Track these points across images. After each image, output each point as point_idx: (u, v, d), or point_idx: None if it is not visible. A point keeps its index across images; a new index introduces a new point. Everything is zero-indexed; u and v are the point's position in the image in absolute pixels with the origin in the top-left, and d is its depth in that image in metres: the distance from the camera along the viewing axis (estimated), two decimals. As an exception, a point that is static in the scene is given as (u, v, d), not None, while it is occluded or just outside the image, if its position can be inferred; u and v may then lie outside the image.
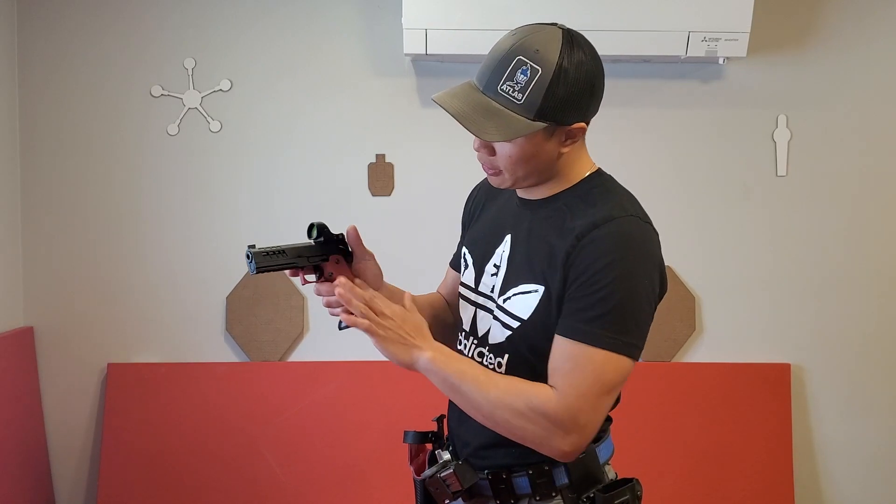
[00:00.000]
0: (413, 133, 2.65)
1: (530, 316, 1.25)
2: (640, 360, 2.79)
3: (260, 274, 1.21)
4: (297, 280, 2.63)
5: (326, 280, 1.30)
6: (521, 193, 1.34)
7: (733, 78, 2.64)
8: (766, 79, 2.63)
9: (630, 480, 1.31)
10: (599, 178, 1.32)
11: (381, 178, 2.67)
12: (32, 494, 2.57)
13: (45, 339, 2.68)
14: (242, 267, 2.66)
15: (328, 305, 1.29)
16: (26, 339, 2.63)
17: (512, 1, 2.36)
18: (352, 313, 1.21)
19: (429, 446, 1.43)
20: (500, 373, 1.29)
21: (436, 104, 1.23)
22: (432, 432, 1.43)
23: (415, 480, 1.41)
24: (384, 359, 2.72)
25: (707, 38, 2.41)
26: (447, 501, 1.34)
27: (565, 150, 1.25)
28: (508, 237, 1.33)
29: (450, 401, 1.42)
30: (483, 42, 2.23)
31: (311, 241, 1.27)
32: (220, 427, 2.61)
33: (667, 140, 2.65)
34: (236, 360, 2.69)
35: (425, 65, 2.63)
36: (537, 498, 1.29)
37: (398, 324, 1.21)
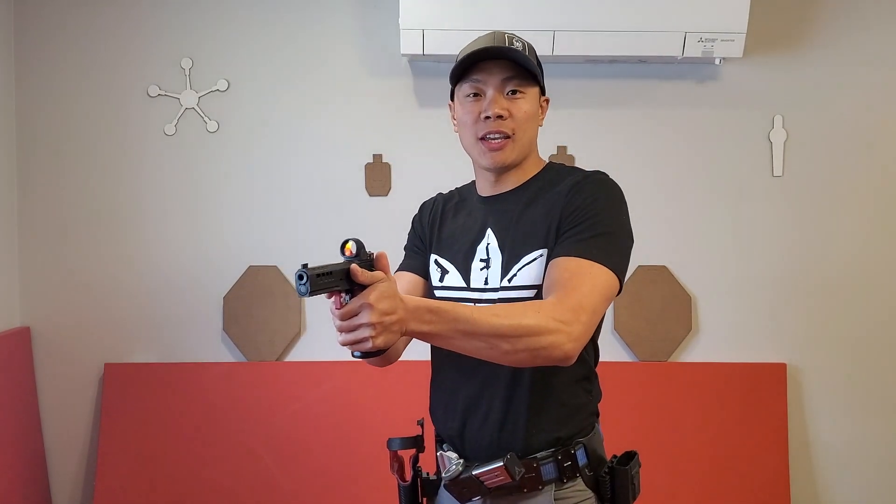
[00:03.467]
0: (410, 133, 2.65)
1: (543, 279, 1.31)
2: (637, 359, 2.80)
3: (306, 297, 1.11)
4: (294, 272, 2.66)
5: None
6: (493, 191, 1.43)
7: (729, 78, 2.65)
8: (763, 79, 2.64)
9: (634, 453, 1.39)
10: (559, 164, 1.47)
11: (378, 178, 2.67)
12: (29, 494, 2.56)
13: (42, 339, 2.68)
14: (239, 267, 2.67)
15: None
16: (23, 339, 2.63)
17: (508, 1, 2.36)
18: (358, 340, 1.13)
19: (412, 452, 1.43)
20: None
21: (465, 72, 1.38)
22: (418, 436, 1.43)
23: (400, 486, 1.42)
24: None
25: (703, 39, 2.41)
26: (477, 499, 1.35)
27: (541, 122, 1.43)
28: (489, 231, 1.40)
29: (455, 404, 1.41)
30: (480, 42, 2.22)
31: (347, 259, 1.15)
32: (216, 427, 2.61)
33: (663, 140, 2.66)
34: (233, 360, 2.69)
35: (422, 65, 2.63)
36: (564, 481, 1.33)
37: (377, 315, 1.09)
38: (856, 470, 2.70)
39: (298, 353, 2.69)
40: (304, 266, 1.08)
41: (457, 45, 2.37)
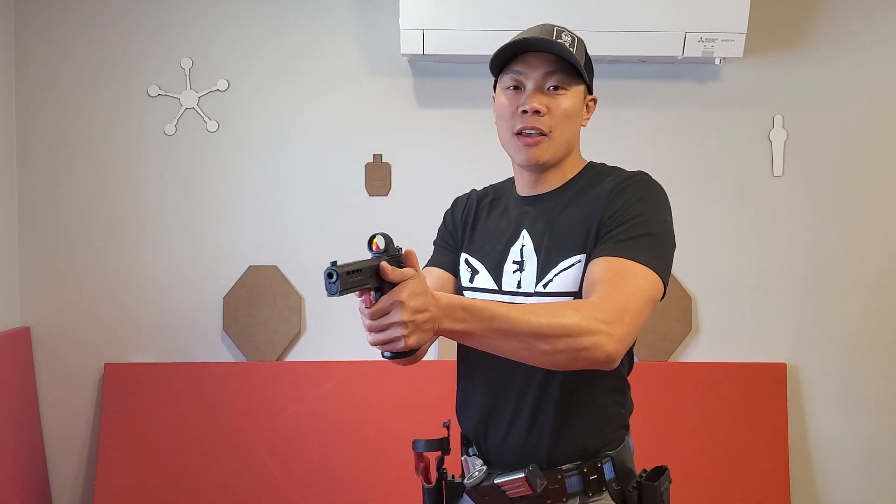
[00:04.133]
0: (410, 133, 2.65)
1: (580, 285, 1.26)
2: (637, 359, 2.80)
3: (340, 296, 1.02)
4: (295, 272, 2.67)
5: None
6: (532, 191, 1.39)
7: (730, 78, 2.65)
8: (763, 79, 2.64)
9: (665, 468, 1.34)
10: (599, 164, 1.42)
11: (378, 178, 2.67)
12: (29, 494, 2.56)
13: (42, 339, 2.68)
14: (239, 267, 2.67)
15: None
16: (23, 339, 2.63)
17: (509, 1, 2.36)
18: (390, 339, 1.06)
19: (437, 454, 1.40)
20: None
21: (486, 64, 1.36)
22: (444, 438, 1.39)
23: (424, 489, 1.39)
24: (381, 359, 2.73)
25: (704, 39, 2.41)
26: None
27: (585, 122, 1.37)
28: (524, 232, 1.35)
29: (482, 408, 1.38)
30: (480, 42, 2.23)
31: (375, 255, 1.08)
32: (217, 427, 2.61)
33: (663, 140, 2.66)
34: (233, 360, 2.69)
35: (422, 65, 2.63)
36: (589, 494, 1.30)
37: (409, 313, 1.03)
38: (856, 470, 2.70)
39: (298, 353, 2.69)
40: (334, 263, 1.01)
41: (457, 45, 2.39)
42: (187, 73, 2.63)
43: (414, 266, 1.07)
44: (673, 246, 1.29)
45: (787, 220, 2.67)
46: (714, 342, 2.69)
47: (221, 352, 2.69)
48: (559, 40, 1.28)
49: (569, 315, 1.11)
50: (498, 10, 2.37)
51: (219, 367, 2.65)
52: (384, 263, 1.04)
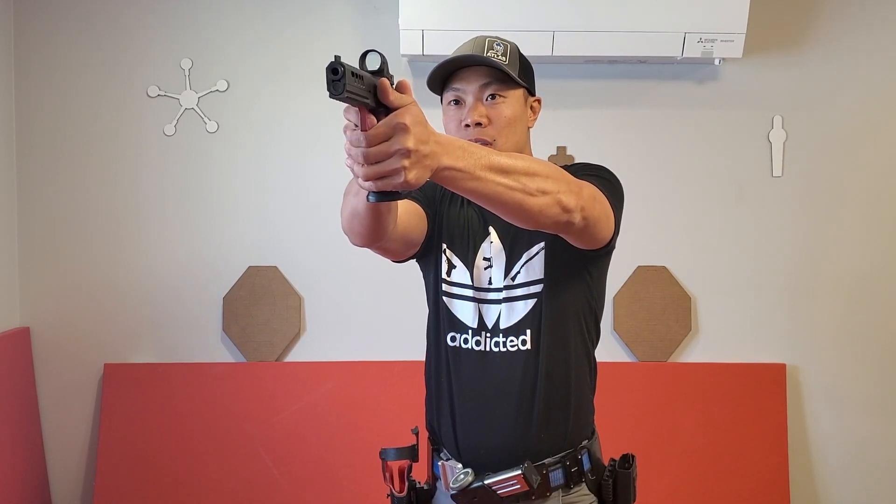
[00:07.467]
0: (410, 133, 2.65)
1: (545, 271, 1.32)
2: (637, 359, 2.78)
3: (337, 99, 0.83)
4: (295, 273, 2.68)
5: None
6: None
7: (729, 79, 2.65)
8: (762, 80, 2.64)
9: (633, 457, 1.40)
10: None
11: (377, 178, 2.67)
12: (29, 494, 2.56)
13: (42, 340, 2.68)
14: (239, 267, 2.66)
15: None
16: (23, 340, 2.63)
17: (507, 2, 2.36)
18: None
19: (405, 462, 1.42)
20: (527, 350, 1.34)
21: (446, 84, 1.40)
22: (413, 446, 1.41)
23: (393, 497, 1.41)
24: (380, 359, 2.72)
25: (703, 39, 2.41)
26: None
27: (531, 123, 1.41)
28: (491, 229, 1.39)
29: (460, 413, 1.39)
30: (480, 43, 2.21)
31: (371, 72, 0.90)
32: (216, 427, 2.61)
33: (663, 141, 2.66)
34: (233, 360, 2.69)
35: (422, 65, 2.63)
36: (571, 486, 1.33)
37: (414, 141, 0.92)
38: (855, 470, 2.70)
39: (298, 354, 2.69)
40: (338, 58, 0.82)
41: (456, 45, 2.39)
42: (187, 73, 2.64)
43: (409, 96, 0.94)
44: (622, 208, 1.34)
45: (787, 221, 2.67)
46: (714, 342, 2.69)
47: (221, 352, 2.69)
48: (490, 51, 1.33)
49: (551, 165, 1.15)
50: (497, 11, 2.37)
51: (219, 368, 2.65)
52: (386, 80, 0.88)
